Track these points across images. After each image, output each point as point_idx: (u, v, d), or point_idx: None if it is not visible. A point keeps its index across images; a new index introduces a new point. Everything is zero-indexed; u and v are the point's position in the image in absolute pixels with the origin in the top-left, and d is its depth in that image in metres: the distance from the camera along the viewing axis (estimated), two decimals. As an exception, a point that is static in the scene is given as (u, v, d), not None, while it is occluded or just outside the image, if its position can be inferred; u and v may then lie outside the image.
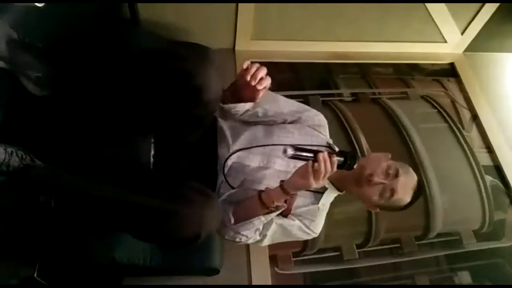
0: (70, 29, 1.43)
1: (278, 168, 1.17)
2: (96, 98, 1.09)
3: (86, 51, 1.47)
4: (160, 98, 1.02)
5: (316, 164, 0.99)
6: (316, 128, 1.28)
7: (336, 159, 1.01)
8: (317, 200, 1.20)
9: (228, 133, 1.20)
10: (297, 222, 1.17)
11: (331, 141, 1.28)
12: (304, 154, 0.99)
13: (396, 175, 1.14)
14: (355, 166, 1.05)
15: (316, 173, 0.99)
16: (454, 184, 2.00)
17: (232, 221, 1.11)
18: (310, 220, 1.19)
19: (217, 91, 1.05)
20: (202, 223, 0.99)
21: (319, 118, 1.30)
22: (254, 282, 1.59)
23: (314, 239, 1.71)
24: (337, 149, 1.26)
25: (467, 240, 1.86)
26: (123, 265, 1.28)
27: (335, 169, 1.01)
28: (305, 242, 1.72)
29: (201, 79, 0.99)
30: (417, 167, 1.97)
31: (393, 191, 1.14)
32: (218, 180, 1.17)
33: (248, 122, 1.26)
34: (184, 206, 0.97)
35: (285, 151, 0.95)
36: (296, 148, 0.96)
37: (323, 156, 0.98)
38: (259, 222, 1.10)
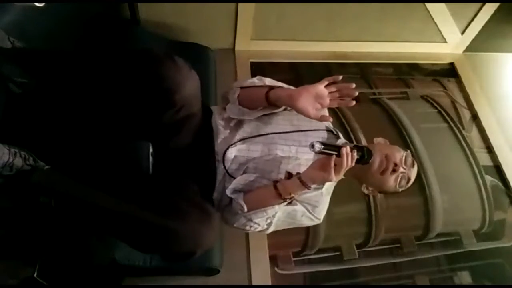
0: (70, 29, 1.43)
1: (281, 154, 1.16)
2: (92, 100, 1.09)
3: (86, 51, 1.47)
4: (135, 101, 1.02)
5: (337, 159, 1.01)
6: None
7: (355, 154, 1.04)
8: (320, 185, 1.18)
9: (225, 126, 1.20)
10: (300, 207, 1.17)
11: (331, 126, 1.29)
12: (329, 149, 1.00)
13: (413, 165, 1.19)
14: (370, 161, 1.09)
15: (337, 167, 1.01)
16: (454, 184, 2.00)
17: (245, 209, 1.11)
18: (313, 206, 1.19)
19: (190, 92, 1.04)
20: (197, 241, 1.00)
21: None
22: (254, 282, 1.59)
23: (314, 239, 1.73)
24: (340, 134, 1.27)
25: (467, 240, 1.86)
26: (123, 265, 1.28)
27: (353, 164, 1.03)
28: (305, 242, 1.72)
29: (171, 82, 0.98)
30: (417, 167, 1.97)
31: (409, 180, 1.19)
32: (218, 176, 1.17)
33: None
34: (180, 223, 0.98)
35: (312, 146, 0.96)
36: (323, 143, 0.98)
37: (346, 151, 1.00)
38: (272, 211, 1.11)
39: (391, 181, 1.16)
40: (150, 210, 0.98)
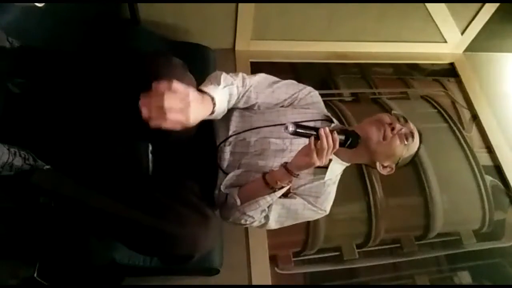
0: (70, 30, 1.43)
1: (274, 148, 1.16)
2: (91, 99, 1.09)
3: (85, 51, 1.47)
4: (134, 101, 1.02)
5: (318, 142, 0.99)
6: (309, 106, 1.28)
7: (337, 136, 1.01)
8: (321, 175, 1.18)
9: (220, 123, 1.20)
10: (300, 200, 1.16)
11: (328, 114, 1.28)
12: (306, 131, 0.98)
13: (406, 120, 1.17)
14: (357, 144, 1.07)
15: (319, 150, 0.99)
16: (454, 184, 1.99)
17: (238, 202, 1.11)
18: (314, 197, 1.17)
19: None
20: (196, 245, 1.01)
21: (311, 95, 1.29)
22: (254, 282, 1.59)
23: (314, 239, 1.73)
24: (335, 121, 1.26)
25: (467, 240, 1.86)
26: (123, 265, 1.28)
27: (337, 146, 1.01)
28: (305, 242, 1.72)
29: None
30: (417, 167, 1.97)
31: (412, 133, 1.16)
32: (220, 173, 1.17)
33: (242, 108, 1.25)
34: (179, 227, 0.98)
35: (286, 128, 0.94)
36: (297, 124, 0.96)
37: (325, 131, 0.98)
38: (264, 202, 1.10)
39: (397, 142, 1.13)
40: (149, 213, 0.98)
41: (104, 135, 1.14)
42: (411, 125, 1.18)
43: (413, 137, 1.15)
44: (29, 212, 1.07)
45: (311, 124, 1.17)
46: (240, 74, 1.17)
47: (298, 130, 0.96)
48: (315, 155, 0.99)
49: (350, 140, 1.06)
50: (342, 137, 1.04)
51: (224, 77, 1.10)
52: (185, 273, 1.50)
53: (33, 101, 1.11)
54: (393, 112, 1.18)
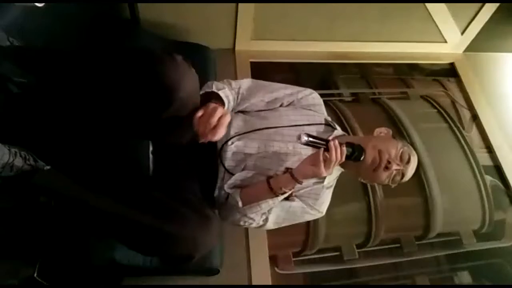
0: (70, 30, 1.43)
1: (278, 151, 1.17)
2: (91, 99, 1.09)
3: (85, 50, 1.47)
4: (135, 99, 1.02)
5: (326, 153, 1.01)
6: (311, 107, 1.29)
7: (345, 148, 1.04)
8: (321, 179, 1.19)
9: None
10: (299, 203, 1.18)
11: (329, 119, 1.29)
12: (317, 141, 1.01)
13: (408, 161, 1.17)
14: (361, 159, 1.09)
15: (326, 161, 1.02)
16: (454, 184, 2.00)
17: (240, 204, 1.12)
18: (313, 199, 1.19)
19: (189, 90, 1.03)
20: (196, 246, 1.01)
21: (313, 96, 1.30)
22: (254, 282, 1.59)
23: (314, 239, 1.73)
24: (338, 127, 1.28)
25: (467, 240, 1.86)
26: (123, 265, 1.28)
27: (343, 158, 1.04)
28: (305, 242, 1.72)
29: (171, 79, 0.97)
30: (417, 167, 1.97)
31: (403, 176, 1.17)
32: (220, 173, 1.17)
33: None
34: (179, 227, 0.98)
35: (299, 138, 0.98)
36: (310, 135, 0.99)
37: (334, 144, 1.01)
38: (266, 205, 1.12)
39: (383, 177, 1.15)
40: (149, 213, 0.98)
41: (104, 135, 1.14)
42: (410, 168, 1.17)
43: (402, 178, 1.17)
44: (29, 212, 1.07)
45: (311, 126, 1.19)
46: (225, 80, 1.23)
47: (310, 140, 0.99)
48: (322, 166, 1.02)
49: (356, 154, 1.08)
50: (350, 150, 1.07)
51: (216, 84, 1.16)
52: (185, 273, 1.50)
53: (33, 101, 1.11)
54: (403, 149, 1.17)
